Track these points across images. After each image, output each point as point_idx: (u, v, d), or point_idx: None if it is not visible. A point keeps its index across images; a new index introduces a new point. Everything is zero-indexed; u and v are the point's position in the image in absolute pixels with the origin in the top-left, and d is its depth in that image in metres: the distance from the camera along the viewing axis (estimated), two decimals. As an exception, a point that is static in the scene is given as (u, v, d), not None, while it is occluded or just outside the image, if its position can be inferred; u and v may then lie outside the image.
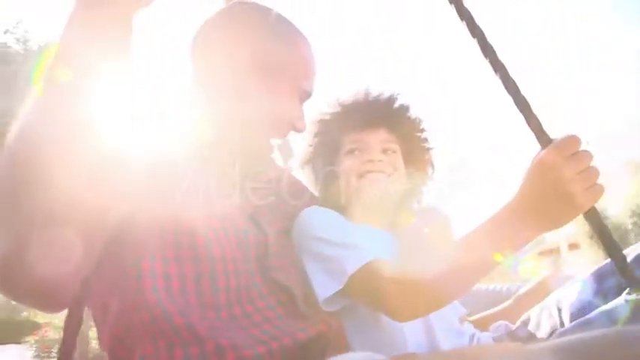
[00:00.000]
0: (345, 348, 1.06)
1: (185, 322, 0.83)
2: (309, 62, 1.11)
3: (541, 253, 16.97)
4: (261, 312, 0.93)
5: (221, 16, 1.10)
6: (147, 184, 0.87)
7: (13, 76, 5.31)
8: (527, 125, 0.78)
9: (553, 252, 16.68)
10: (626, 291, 0.69)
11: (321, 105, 1.32)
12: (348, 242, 1.02)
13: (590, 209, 0.77)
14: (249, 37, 1.05)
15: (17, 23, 6.07)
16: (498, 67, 0.78)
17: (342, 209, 1.21)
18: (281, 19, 1.11)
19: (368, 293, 0.97)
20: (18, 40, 5.97)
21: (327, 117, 1.29)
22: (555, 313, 0.98)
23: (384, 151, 1.23)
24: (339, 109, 1.29)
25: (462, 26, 0.82)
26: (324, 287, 1.01)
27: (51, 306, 0.81)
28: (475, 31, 0.79)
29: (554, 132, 0.80)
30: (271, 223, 1.07)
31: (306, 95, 1.12)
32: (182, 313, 0.83)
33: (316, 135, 1.28)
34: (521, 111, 0.77)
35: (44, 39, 6.14)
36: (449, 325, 1.08)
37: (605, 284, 0.97)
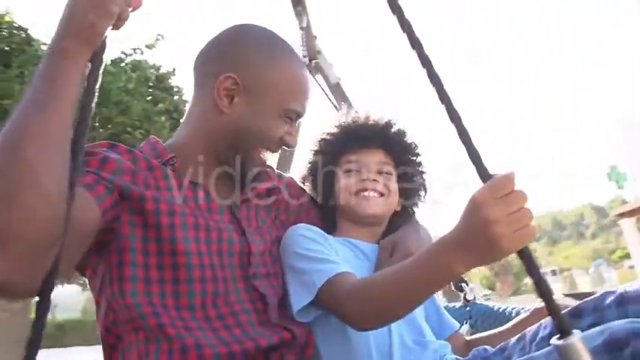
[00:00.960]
0: (314, 357, 1.14)
1: (157, 323, 0.96)
2: (298, 84, 1.17)
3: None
4: (236, 316, 1.04)
5: (220, 36, 1.19)
6: (135, 189, 0.98)
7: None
8: (468, 158, 0.76)
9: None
10: (556, 337, 0.68)
11: (323, 123, 1.40)
12: (322, 257, 1.12)
13: (522, 249, 0.74)
14: (239, 58, 1.13)
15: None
16: (444, 97, 0.76)
17: (335, 223, 1.34)
18: (274, 41, 1.18)
19: (331, 303, 1.06)
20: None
21: (328, 136, 1.37)
22: (527, 345, 1.00)
23: (380, 172, 1.31)
24: (340, 129, 1.36)
25: (403, 39, 0.79)
26: (297, 298, 1.10)
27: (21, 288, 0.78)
28: (415, 45, 0.77)
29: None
30: (266, 232, 1.19)
31: (295, 115, 1.17)
32: (156, 314, 0.96)
33: (317, 153, 1.37)
34: (462, 143, 0.74)
35: (112, 55, 6.56)
36: (414, 339, 1.16)
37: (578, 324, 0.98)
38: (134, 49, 6.87)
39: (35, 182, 0.75)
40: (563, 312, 0.70)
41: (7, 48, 5.97)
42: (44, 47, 6.51)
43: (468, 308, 1.68)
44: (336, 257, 1.14)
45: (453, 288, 1.72)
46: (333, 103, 3.08)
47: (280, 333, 1.06)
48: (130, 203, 0.99)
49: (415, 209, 1.40)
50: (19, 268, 0.75)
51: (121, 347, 1.00)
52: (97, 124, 5.81)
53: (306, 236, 1.19)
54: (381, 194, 1.29)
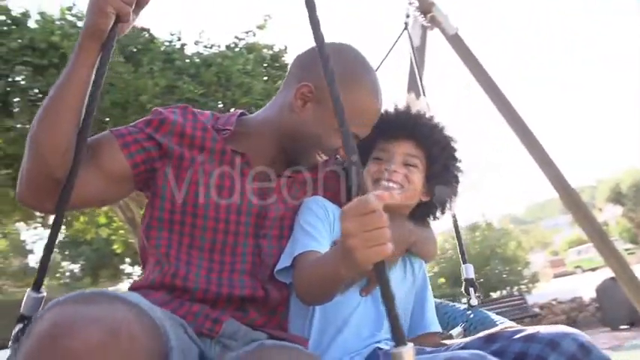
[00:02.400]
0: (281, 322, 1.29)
1: (166, 252, 1.21)
2: (365, 113, 1.28)
3: None
4: (233, 264, 1.23)
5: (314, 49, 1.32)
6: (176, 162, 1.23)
7: (216, 77, 6.05)
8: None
9: None
10: (393, 345, 0.77)
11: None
12: (311, 232, 1.22)
13: (377, 265, 0.82)
14: (322, 73, 1.20)
15: (201, 32, 6.82)
16: (338, 106, 0.85)
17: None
18: (359, 69, 1.30)
19: (293, 274, 1.20)
20: (205, 46, 6.74)
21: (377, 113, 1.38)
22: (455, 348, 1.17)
23: (405, 163, 1.34)
24: (387, 111, 1.40)
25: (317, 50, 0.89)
26: (281, 261, 1.24)
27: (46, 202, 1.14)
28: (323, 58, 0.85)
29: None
30: (291, 201, 1.33)
31: (354, 136, 1.25)
32: (168, 246, 1.22)
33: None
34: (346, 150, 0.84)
35: (227, 41, 6.84)
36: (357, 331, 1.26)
37: (488, 347, 1.13)
38: (246, 32, 7.03)
39: (46, 141, 1.10)
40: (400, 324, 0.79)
41: (134, 49, 6.36)
42: (166, 44, 6.91)
43: (469, 312, 1.69)
44: (326, 235, 1.24)
45: (463, 290, 1.79)
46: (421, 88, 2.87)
47: (256, 289, 1.23)
48: (170, 159, 1.23)
49: (445, 203, 1.42)
50: (35, 195, 1.15)
51: (145, 267, 1.29)
52: (220, 105, 6.02)
53: (312, 209, 1.28)
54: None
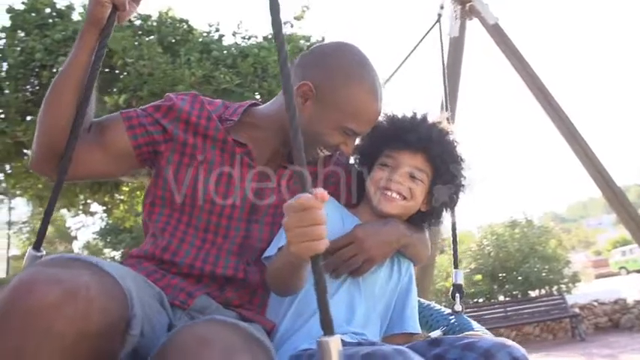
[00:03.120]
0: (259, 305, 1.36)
1: (162, 227, 1.32)
2: (362, 111, 1.32)
3: None
4: (222, 245, 1.31)
5: (321, 47, 1.40)
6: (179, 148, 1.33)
7: (253, 67, 6.09)
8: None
9: None
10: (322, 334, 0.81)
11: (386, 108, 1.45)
12: None
13: (312, 258, 0.86)
14: (322, 72, 1.31)
15: (240, 23, 6.86)
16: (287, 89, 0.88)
17: (355, 201, 1.47)
18: (358, 69, 1.32)
19: None
20: (243, 38, 6.77)
21: (383, 124, 1.41)
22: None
23: (412, 175, 1.36)
24: (395, 120, 1.41)
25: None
26: (269, 249, 1.31)
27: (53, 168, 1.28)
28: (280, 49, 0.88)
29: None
30: (290, 192, 1.39)
31: (352, 132, 1.34)
32: (166, 223, 1.33)
33: (368, 136, 1.41)
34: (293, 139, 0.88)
35: (264, 32, 6.88)
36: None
37: (430, 350, 1.18)
38: (283, 23, 6.98)
39: (49, 117, 1.24)
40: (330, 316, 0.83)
41: (173, 40, 6.43)
42: (205, 35, 6.96)
43: (452, 317, 1.72)
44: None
45: (450, 295, 1.82)
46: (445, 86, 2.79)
47: (238, 270, 1.31)
48: (174, 144, 1.33)
49: (441, 214, 1.46)
50: (42, 164, 1.30)
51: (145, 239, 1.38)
52: (257, 96, 6.03)
53: None
54: (404, 197, 1.36)
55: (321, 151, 1.38)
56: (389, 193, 1.35)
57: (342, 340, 1.22)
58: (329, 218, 1.35)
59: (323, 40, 7.57)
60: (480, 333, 1.47)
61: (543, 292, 11.89)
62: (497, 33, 4.88)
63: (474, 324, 1.66)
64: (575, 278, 12.45)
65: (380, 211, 1.37)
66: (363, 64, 1.34)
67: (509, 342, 1.14)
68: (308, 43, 7.02)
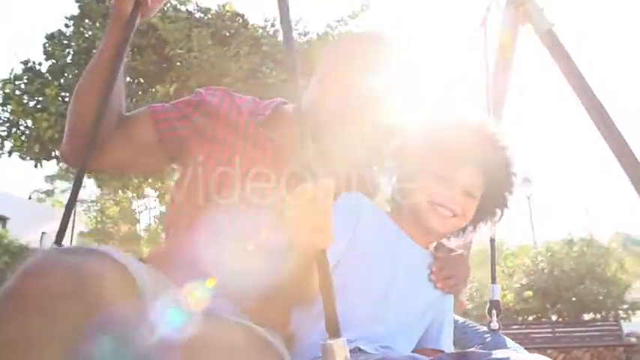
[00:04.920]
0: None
1: (185, 225, 1.25)
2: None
3: None
4: (244, 252, 1.21)
5: (344, 39, 1.38)
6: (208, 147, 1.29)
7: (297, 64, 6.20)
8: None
9: None
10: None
11: (444, 111, 1.42)
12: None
13: (319, 253, 0.81)
14: (349, 66, 1.28)
15: (298, 20, 6.97)
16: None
17: (392, 203, 1.40)
18: (365, 45, 1.30)
19: None
20: (300, 34, 6.87)
21: (440, 128, 1.33)
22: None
23: (466, 192, 1.28)
24: (454, 128, 1.31)
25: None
26: None
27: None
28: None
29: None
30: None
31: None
32: (190, 222, 1.24)
33: (420, 137, 1.32)
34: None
35: (320, 30, 6.95)
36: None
37: None
38: (338, 21, 7.00)
39: (78, 109, 1.25)
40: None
41: (227, 33, 6.58)
42: (260, 30, 7.08)
43: (487, 335, 1.65)
44: (342, 235, 1.20)
45: (486, 312, 1.74)
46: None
47: (260, 269, 1.20)
48: (202, 139, 1.29)
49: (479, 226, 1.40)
50: (70, 153, 1.30)
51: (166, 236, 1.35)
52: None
53: (339, 207, 1.18)
54: (455, 215, 1.28)
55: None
56: (442, 210, 1.27)
57: (358, 347, 1.16)
58: (366, 223, 1.28)
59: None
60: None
61: (598, 316, 11.26)
62: (550, 40, 4.60)
63: (510, 343, 1.59)
64: (636, 305, 11.70)
65: (428, 227, 1.30)
66: (369, 42, 1.33)
67: (544, 358, 1.05)
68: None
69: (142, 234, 25.57)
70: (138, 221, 26.17)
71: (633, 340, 9.47)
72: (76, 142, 1.25)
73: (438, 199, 1.27)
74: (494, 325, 1.67)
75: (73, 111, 1.26)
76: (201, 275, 1.18)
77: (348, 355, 0.75)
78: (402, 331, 1.28)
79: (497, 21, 4.92)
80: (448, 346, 1.38)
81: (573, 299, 11.31)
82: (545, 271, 12.05)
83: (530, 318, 11.68)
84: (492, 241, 1.93)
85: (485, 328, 1.68)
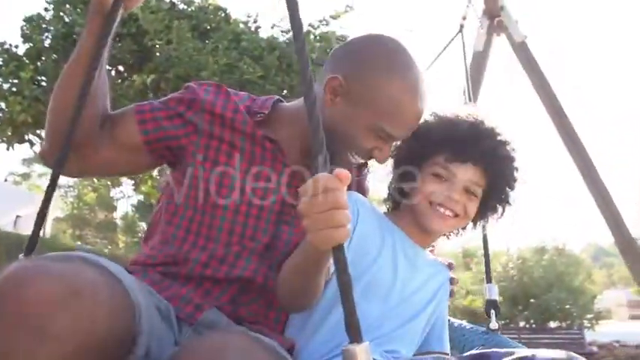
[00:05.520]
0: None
1: (183, 228, 1.19)
2: (399, 108, 1.17)
3: None
4: (242, 251, 1.18)
5: (355, 39, 1.27)
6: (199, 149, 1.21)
7: (278, 61, 6.18)
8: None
9: None
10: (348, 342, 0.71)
11: (438, 104, 1.31)
12: None
13: (334, 249, 0.76)
14: (354, 65, 1.18)
15: (281, 19, 6.98)
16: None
17: (391, 206, 1.37)
18: (396, 60, 1.18)
19: None
20: (282, 32, 6.88)
21: (441, 126, 1.26)
22: None
23: (467, 190, 1.23)
24: (453, 125, 1.25)
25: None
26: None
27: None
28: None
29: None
30: None
31: (386, 135, 1.18)
32: (188, 226, 1.19)
33: (418, 135, 1.24)
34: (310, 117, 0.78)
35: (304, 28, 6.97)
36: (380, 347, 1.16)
37: None
38: (320, 21, 7.03)
39: (57, 103, 1.17)
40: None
41: (208, 27, 6.57)
42: (242, 25, 7.08)
43: (487, 336, 1.60)
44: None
45: (485, 312, 1.70)
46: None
47: (257, 272, 1.17)
48: (198, 138, 1.21)
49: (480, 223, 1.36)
50: (48, 151, 1.20)
51: (148, 240, 1.27)
52: (284, 93, 6.09)
53: None
54: (456, 215, 1.23)
55: (353, 157, 1.23)
56: (442, 210, 1.22)
57: None
58: (366, 222, 1.22)
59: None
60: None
61: (564, 324, 11.48)
62: (522, 52, 4.72)
63: (512, 342, 1.54)
64: (600, 315, 11.95)
65: (428, 228, 1.25)
66: (405, 59, 1.20)
67: (572, 354, 1.01)
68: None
69: (119, 222, 25.36)
70: (115, 209, 25.94)
71: (594, 349, 9.69)
72: (56, 142, 1.14)
73: (439, 200, 1.22)
74: (494, 325, 1.62)
75: (52, 109, 1.18)
76: (196, 277, 1.15)
77: (370, 358, 0.68)
78: (404, 333, 1.23)
79: (475, 29, 5.02)
80: (447, 348, 1.35)
81: (541, 306, 11.52)
82: (515, 277, 12.25)
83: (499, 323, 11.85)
84: (485, 239, 1.88)
85: (483, 329, 1.63)
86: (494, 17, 4.88)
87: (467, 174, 1.21)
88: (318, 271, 0.98)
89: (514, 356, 1.02)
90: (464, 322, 1.71)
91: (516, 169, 1.27)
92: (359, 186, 1.39)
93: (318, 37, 6.95)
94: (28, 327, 0.68)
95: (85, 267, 0.76)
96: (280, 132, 1.23)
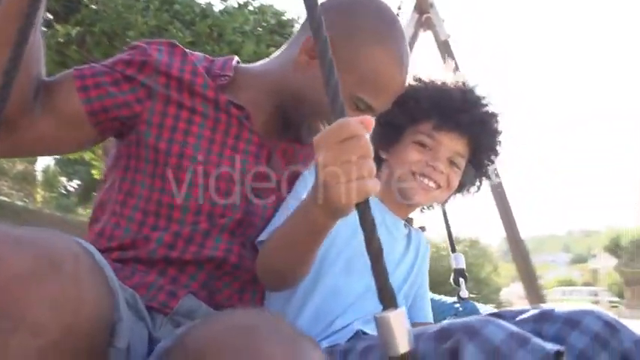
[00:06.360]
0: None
1: (140, 206, 1.06)
2: (381, 77, 1.08)
3: None
4: (212, 229, 1.05)
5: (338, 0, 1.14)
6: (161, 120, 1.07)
7: (210, 29, 6.07)
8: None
9: None
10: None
11: (421, 69, 1.23)
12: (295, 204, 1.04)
13: (359, 206, 0.67)
14: (336, 26, 1.04)
15: None
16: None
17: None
18: (382, 25, 1.09)
19: None
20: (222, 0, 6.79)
21: (424, 90, 1.18)
22: None
23: (451, 161, 1.16)
24: (441, 91, 1.18)
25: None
26: (263, 233, 1.04)
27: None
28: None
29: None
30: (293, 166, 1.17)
31: (364, 106, 1.08)
32: (147, 201, 1.05)
33: (402, 100, 1.14)
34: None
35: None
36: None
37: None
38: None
39: None
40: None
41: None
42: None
43: (458, 305, 1.57)
44: None
45: (452, 281, 1.65)
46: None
47: (230, 251, 1.06)
48: (153, 103, 1.06)
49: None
50: None
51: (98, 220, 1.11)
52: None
53: (307, 182, 1.09)
54: (439, 186, 1.16)
55: (325, 127, 1.12)
56: (426, 181, 1.14)
57: (362, 331, 1.02)
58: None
59: (298, 18, 7.53)
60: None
61: (467, 312, 12.18)
62: (445, 50, 4.93)
63: (485, 307, 1.54)
64: (500, 306, 12.78)
65: (409, 199, 1.17)
66: (391, 24, 1.10)
67: (591, 306, 0.97)
68: (278, 18, 6.99)
69: (39, 175, 24.25)
70: (35, 160, 24.75)
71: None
72: None
73: (422, 170, 1.15)
74: (464, 293, 1.59)
75: None
76: (159, 261, 1.03)
77: (409, 326, 0.62)
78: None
79: (403, 23, 5.17)
80: (430, 318, 1.29)
81: (447, 294, 12.14)
82: (434, 254, 12.80)
83: (407, 307, 12.41)
84: (445, 212, 1.85)
85: (453, 299, 1.60)
86: (424, 13, 5.04)
87: (452, 143, 1.15)
88: (318, 242, 0.88)
89: (533, 312, 0.96)
90: (430, 293, 1.69)
91: (500, 143, 1.22)
92: None
93: (254, 10, 6.92)
94: (5, 302, 0.53)
95: (58, 235, 0.61)
96: (244, 97, 1.12)
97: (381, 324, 0.62)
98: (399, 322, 0.61)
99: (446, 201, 1.28)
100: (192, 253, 1.03)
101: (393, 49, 1.08)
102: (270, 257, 0.97)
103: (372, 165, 0.69)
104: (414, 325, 1.19)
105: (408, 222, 1.29)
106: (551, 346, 0.76)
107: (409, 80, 1.17)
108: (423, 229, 1.34)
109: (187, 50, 1.13)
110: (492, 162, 1.24)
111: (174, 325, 0.96)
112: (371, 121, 0.70)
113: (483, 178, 1.27)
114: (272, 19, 6.81)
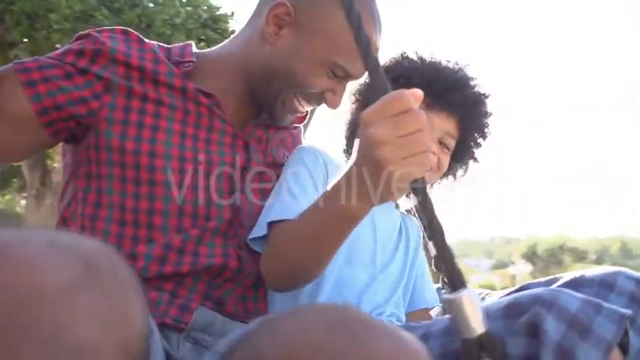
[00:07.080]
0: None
1: (118, 231, 0.94)
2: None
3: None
4: (202, 234, 0.95)
5: None
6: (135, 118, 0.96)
7: (138, 19, 5.98)
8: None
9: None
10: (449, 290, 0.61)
11: (408, 48, 1.18)
12: (296, 191, 0.98)
13: (416, 182, 0.64)
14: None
15: None
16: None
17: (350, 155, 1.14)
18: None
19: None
20: None
21: (416, 67, 1.14)
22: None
23: (441, 142, 1.11)
24: (434, 68, 1.13)
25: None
26: (257, 227, 0.97)
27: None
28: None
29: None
30: (269, 155, 1.10)
31: (342, 72, 1.01)
32: (121, 221, 0.94)
33: (392, 78, 1.08)
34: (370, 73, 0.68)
35: None
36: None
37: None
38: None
39: None
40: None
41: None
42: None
43: (444, 290, 1.50)
44: (314, 196, 0.96)
45: (433, 268, 1.67)
46: None
47: (228, 256, 0.97)
48: (113, 97, 0.95)
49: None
50: None
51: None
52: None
53: (303, 159, 1.05)
54: (430, 168, 1.10)
55: (300, 103, 1.05)
56: None
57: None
58: (335, 172, 0.98)
59: (232, 15, 7.51)
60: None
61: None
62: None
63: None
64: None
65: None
66: None
67: (618, 268, 0.95)
68: (211, 13, 6.94)
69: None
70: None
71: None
72: None
73: None
74: None
75: None
76: (153, 277, 0.92)
77: (480, 304, 0.59)
78: (391, 297, 1.12)
79: None
80: (436, 298, 1.25)
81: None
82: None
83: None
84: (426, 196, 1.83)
85: (437, 285, 1.56)
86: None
87: (443, 123, 1.10)
88: (348, 233, 0.80)
89: (564, 280, 0.95)
90: None
91: (487, 126, 1.19)
92: (295, 141, 1.20)
93: (187, 2, 6.84)
94: (38, 329, 0.37)
95: (88, 239, 0.47)
96: (211, 84, 1.03)
97: (453, 305, 0.58)
98: (471, 303, 0.58)
99: (431, 185, 1.24)
100: (188, 264, 0.92)
101: (367, 7, 1.00)
102: (285, 253, 0.88)
103: (427, 138, 0.65)
104: (417, 312, 1.18)
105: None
106: (623, 309, 0.75)
107: (397, 57, 1.15)
108: (409, 212, 1.29)
109: (142, 37, 1.04)
110: (479, 145, 1.20)
111: (193, 342, 0.88)
112: (421, 94, 0.67)
113: (469, 161, 1.23)
114: (205, 13, 6.76)
